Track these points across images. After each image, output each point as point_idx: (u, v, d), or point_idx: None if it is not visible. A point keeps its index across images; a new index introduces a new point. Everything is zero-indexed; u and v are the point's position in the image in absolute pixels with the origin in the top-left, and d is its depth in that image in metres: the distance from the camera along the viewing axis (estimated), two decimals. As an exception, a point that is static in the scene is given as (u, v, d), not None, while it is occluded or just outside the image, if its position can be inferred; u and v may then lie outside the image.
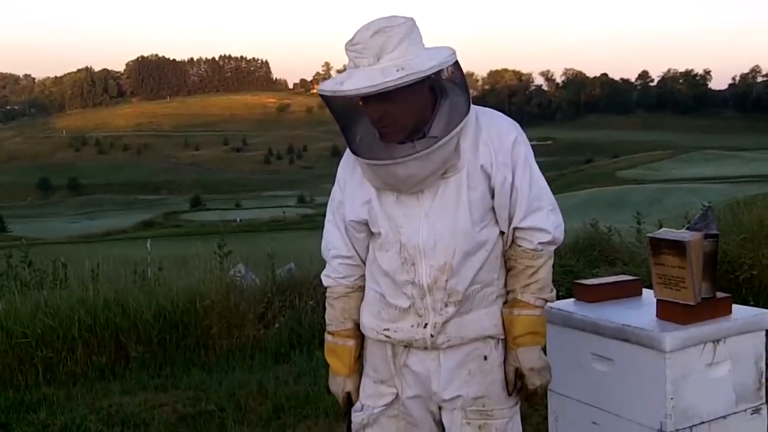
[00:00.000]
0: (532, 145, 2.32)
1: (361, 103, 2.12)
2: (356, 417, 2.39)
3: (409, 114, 2.11)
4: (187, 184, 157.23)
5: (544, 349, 2.37)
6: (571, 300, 2.94)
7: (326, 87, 2.08)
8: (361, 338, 2.38)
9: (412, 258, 2.21)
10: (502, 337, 2.28)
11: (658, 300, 2.61)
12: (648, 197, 45.49)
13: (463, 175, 2.17)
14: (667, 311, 2.57)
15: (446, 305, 2.21)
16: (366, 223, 2.28)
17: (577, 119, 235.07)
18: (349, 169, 2.31)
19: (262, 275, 7.25)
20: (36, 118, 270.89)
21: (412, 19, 2.11)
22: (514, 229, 2.24)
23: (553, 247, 2.27)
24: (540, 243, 2.24)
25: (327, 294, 2.41)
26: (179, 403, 4.75)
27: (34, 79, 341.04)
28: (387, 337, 2.29)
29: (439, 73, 2.11)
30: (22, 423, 4.52)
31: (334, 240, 2.35)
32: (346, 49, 2.09)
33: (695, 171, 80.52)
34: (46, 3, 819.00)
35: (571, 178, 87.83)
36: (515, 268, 2.27)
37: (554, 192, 2.38)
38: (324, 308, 2.44)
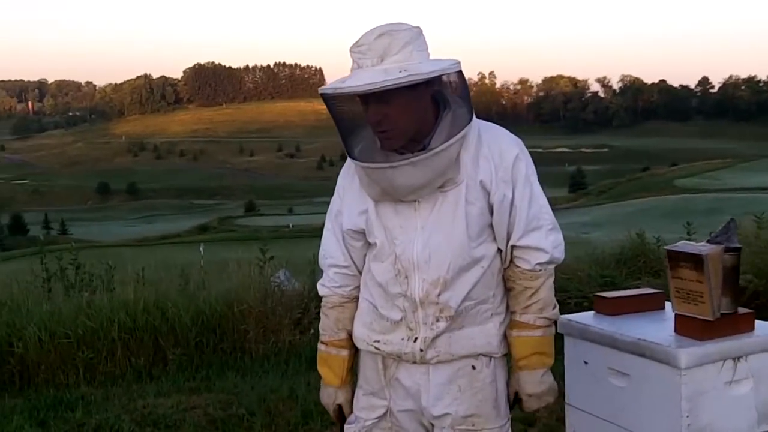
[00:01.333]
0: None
1: (362, 106, 2.11)
2: (349, 429, 2.38)
3: (409, 119, 2.08)
4: (242, 190, 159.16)
5: (555, 367, 2.35)
6: (591, 312, 2.89)
7: (328, 86, 2.07)
8: (354, 349, 2.37)
9: (406, 270, 2.18)
10: (496, 355, 2.25)
11: (676, 314, 2.55)
12: (706, 207, 44.39)
13: (461, 189, 2.15)
14: (685, 326, 2.51)
15: (437, 320, 2.18)
16: (363, 233, 2.27)
17: (635, 126, 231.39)
18: (349, 178, 2.31)
19: (306, 281, 7.32)
20: (96, 124, 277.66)
21: (419, 27, 2.11)
22: (512, 247, 2.21)
23: (552, 266, 2.24)
24: (538, 263, 2.21)
25: (322, 303, 2.41)
26: (211, 406, 4.81)
27: (95, 86, 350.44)
28: (377, 349, 2.27)
29: (442, 83, 2.10)
30: (59, 421, 4.63)
31: (331, 249, 2.35)
32: (351, 51, 2.08)
33: (756, 180, 78.31)
34: (108, 13, 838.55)
35: (627, 186, 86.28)
36: (514, 289, 2.24)
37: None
38: None
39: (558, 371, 2.63)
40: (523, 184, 2.19)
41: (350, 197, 2.29)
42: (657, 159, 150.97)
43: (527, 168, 2.21)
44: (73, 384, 5.46)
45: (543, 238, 2.21)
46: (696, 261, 2.43)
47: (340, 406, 2.41)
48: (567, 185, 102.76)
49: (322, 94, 2.09)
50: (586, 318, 2.83)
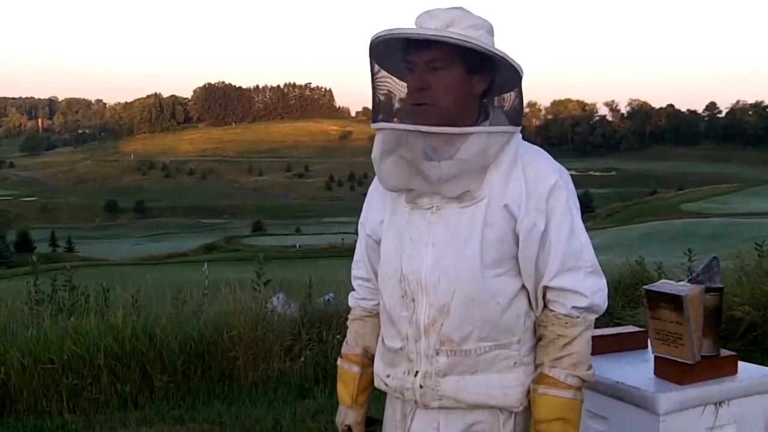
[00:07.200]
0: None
1: (407, 73, 1.90)
2: None
3: (450, 101, 1.86)
4: (250, 209, 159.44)
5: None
6: (572, 351, 2.79)
7: (382, 31, 1.83)
8: (369, 367, 2.17)
9: (413, 293, 1.95)
10: (517, 409, 1.94)
11: (655, 357, 2.45)
12: (712, 231, 44.15)
13: (480, 208, 1.89)
14: (665, 369, 2.41)
15: (437, 353, 1.92)
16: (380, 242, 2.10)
17: (642, 150, 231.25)
18: (375, 185, 2.14)
19: (302, 305, 7.20)
20: (106, 142, 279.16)
21: (492, 26, 1.95)
22: (544, 288, 1.92)
23: (592, 316, 1.93)
24: (574, 307, 1.90)
25: (349, 315, 2.25)
26: (192, 438, 4.71)
27: (105, 104, 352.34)
28: (386, 384, 2.06)
29: (496, 89, 1.93)
30: (35, 452, 4.53)
31: (357, 261, 2.20)
32: (417, 18, 1.90)
33: (763, 205, 77.82)
34: (119, 33, 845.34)
35: (634, 209, 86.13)
36: (545, 336, 1.93)
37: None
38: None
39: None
40: (562, 215, 1.90)
41: (375, 204, 2.13)
42: (664, 183, 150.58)
43: (568, 200, 1.93)
44: (55, 411, 5.35)
45: (580, 281, 1.90)
46: (675, 302, 2.34)
47: (349, 429, 2.19)
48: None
49: (374, 42, 1.85)
50: (565, 357, 2.73)
